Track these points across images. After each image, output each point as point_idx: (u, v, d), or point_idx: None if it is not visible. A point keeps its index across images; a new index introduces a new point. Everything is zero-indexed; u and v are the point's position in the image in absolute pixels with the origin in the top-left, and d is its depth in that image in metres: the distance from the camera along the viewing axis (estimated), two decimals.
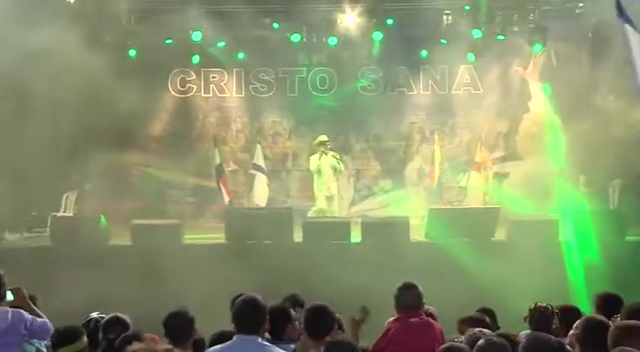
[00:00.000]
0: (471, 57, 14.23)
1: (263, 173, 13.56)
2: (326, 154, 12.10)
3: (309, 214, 12.32)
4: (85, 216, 12.80)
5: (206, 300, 6.72)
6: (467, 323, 5.38)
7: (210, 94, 14.91)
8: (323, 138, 12.51)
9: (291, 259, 9.90)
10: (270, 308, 4.43)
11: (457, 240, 10.52)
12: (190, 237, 11.33)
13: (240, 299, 4.30)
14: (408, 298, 5.24)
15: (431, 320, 5.40)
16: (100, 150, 13.77)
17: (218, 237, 11.17)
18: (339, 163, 12.21)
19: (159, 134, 14.76)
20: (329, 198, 12.17)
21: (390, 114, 14.71)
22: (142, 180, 14.62)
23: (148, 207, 13.82)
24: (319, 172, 12.17)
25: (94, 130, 13.32)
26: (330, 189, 12.19)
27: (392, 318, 5.37)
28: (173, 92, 14.78)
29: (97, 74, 13.76)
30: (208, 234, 12.04)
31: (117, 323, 4.70)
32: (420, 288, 5.26)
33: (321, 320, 4.46)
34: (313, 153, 12.53)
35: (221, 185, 13.25)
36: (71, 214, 12.92)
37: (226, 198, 13.21)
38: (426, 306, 5.42)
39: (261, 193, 13.51)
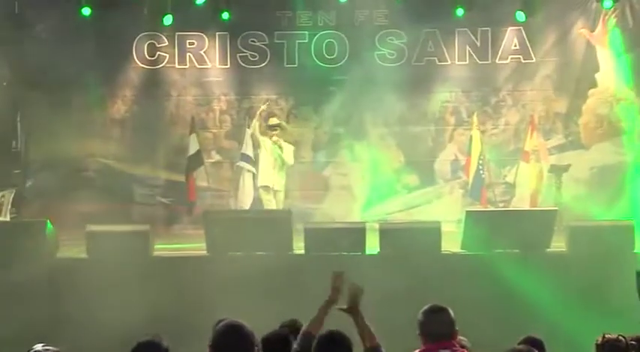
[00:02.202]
0: (520, 16, 14.24)
1: (254, 166, 13.63)
2: (273, 141, 12.46)
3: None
4: (26, 220, 12.89)
5: (182, 327, 6.82)
6: None
7: (187, 65, 14.91)
8: (273, 121, 12.80)
9: (290, 275, 9.99)
10: (266, 337, 4.48)
11: (502, 251, 10.59)
12: (162, 248, 11.44)
13: (221, 324, 4.28)
14: (437, 324, 5.21)
15: None
16: (44, 138, 13.88)
17: (197, 247, 11.23)
18: (280, 151, 12.57)
19: (121, 117, 14.82)
20: (266, 190, 12.53)
21: (416, 91, 14.73)
22: (99, 176, 14.69)
23: (108, 210, 13.89)
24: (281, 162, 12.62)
25: (36, 112, 13.42)
26: (273, 181, 12.67)
27: (416, 351, 5.40)
28: (139, 62, 14.81)
29: (39, 39, 13.98)
30: (185, 244, 12.12)
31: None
32: (452, 313, 5.28)
33: (334, 350, 4.52)
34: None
35: (189, 181, 13.41)
36: (7, 219, 12.99)
37: (187, 200, 13.38)
38: (459, 337, 5.45)
39: (251, 191, 13.57)
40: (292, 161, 12.79)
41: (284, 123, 12.89)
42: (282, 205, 13.42)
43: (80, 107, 14.37)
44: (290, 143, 13.63)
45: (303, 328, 5.04)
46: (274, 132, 12.78)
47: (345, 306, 5.14)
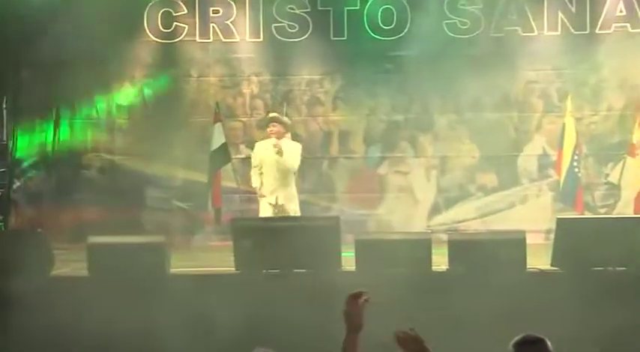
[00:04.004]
0: None
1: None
2: (272, 145, 12.04)
3: None
4: (14, 230, 13.02)
5: None
6: None
7: (211, 39, 15.01)
8: (273, 114, 12.64)
9: (339, 298, 9.96)
10: None
11: (603, 269, 10.49)
12: (181, 265, 11.43)
13: None
14: None
15: None
16: (36, 128, 13.98)
17: (224, 263, 11.28)
18: (279, 156, 12.04)
19: (129, 102, 14.96)
20: (274, 208, 12.13)
21: (494, 69, 14.64)
22: (103, 175, 14.83)
23: (114, 217, 14.02)
24: (260, 168, 12.16)
25: (26, 96, 13.53)
26: (276, 194, 12.13)
27: None
28: (151, 35, 14.95)
29: (30, 5, 14.09)
30: (208, 259, 12.17)
31: None
32: (549, 344, 5.30)
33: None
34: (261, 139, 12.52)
35: (213, 182, 13.45)
36: None
37: (210, 206, 13.40)
38: None
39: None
40: (297, 163, 12.25)
41: (284, 118, 12.56)
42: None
43: (80, 91, 14.51)
44: (296, 140, 13.48)
45: None
46: (273, 129, 12.24)
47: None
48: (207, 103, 14.81)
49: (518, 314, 9.28)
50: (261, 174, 12.19)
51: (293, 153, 12.15)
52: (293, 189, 12.34)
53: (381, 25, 14.74)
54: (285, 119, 12.55)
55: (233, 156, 14.00)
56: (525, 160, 14.94)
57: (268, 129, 12.16)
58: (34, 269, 10.60)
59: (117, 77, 14.87)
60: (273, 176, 12.10)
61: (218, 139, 13.64)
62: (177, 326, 9.59)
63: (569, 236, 10.92)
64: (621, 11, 14.56)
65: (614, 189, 14.45)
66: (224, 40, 14.99)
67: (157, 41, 14.90)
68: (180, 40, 14.95)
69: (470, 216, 14.81)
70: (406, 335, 5.14)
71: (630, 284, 10.26)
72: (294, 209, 12.26)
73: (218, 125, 13.70)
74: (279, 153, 11.99)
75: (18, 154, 14.69)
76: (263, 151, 12.16)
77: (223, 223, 13.42)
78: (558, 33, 14.71)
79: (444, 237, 11.54)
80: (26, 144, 14.43)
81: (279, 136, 12.09)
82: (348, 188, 14.85)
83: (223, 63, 15.08)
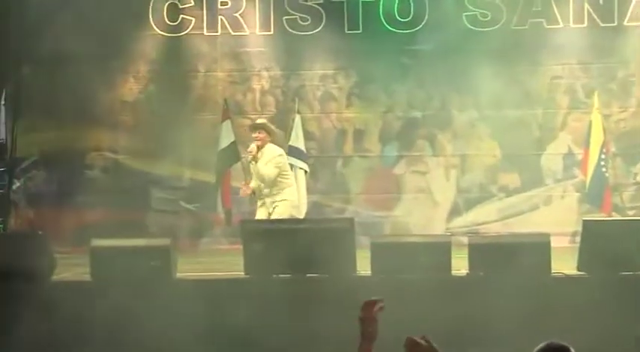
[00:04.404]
0: None
1: (305, 161, 13.69)
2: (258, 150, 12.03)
3: None
4: (13, 232, 13.03)
5: None
6: None
7: (219, 32, 15.03)
8: (260, 121, 12.58)
9: (353, 304, 9.95)
10: None
11: (632, 273, 10.46)
12: (188, 269, 11.45)
13: None
14: None
15: None
16: (36, 126, 14.00)
17: (233, 267, 11.29)
18: (254, 161, 12.03)
19: (134, 99, 15.00)
20: (267, 211, 12.13)
21: (516, 64, 14.67)
22: (106, 175, 14.86)
23: (118, 219, 14.03)
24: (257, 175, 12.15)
25: (26, 93, 13.55)
26: (269, 198, 12.12)
27: None
28: (156, 28, 14.98)
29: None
30: (217, 263, 12.19)
31: None
32: None
33: None
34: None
35: (222, 182, 13.45)
36: None
37: (219, 207, 13.42)
38: None
39: (301, 196, 13.57)
40: (272, 172, 12.13)
41: (272, 126, 12.50)
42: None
43: (82, 87, 14.46)
44: (308, 137, 13.36)
45: None
46: (258, 136, 12.16)
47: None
48: (215, 100, 14.85)
49: (542, 321, 9.27)
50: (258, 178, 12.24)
51: (269, 162, 12.09)
52: (290, 194, 12.29)
53: (398, 17, 14.70)
54: (273, 128, 12.51)
55: (242, 155, 13.99)
56: (549, 159, 14.90)
57: (253, 135, 12.19)
58: (35, 274, 10.65)
59: (121, 72, 14.90)
60: (258, 181, 12.15)
61: (227, 137, 13.67)
62: (183, 333, 9.61)
63: (596, 239, 10.89)
64: None
65: None
66: (233, 33, 15.00)
67: (162, 35, 14.93)
68: (186, 34, 14.97)
69: (491, 218, 14.79)
70: (419, 345, 5.11)
71: None
72: (291, 213, 12.24)
73: (227, 122, 13.73)
74: (254, 159, 12.03)
75: (18, 153, 14.72)
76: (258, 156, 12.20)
77: (234, 225, 13.42)
78: (585, 25, 14.66)
79: (464, 240, 11.49)
80: (26, 143, 14.46)
81: (263, 144, 12.09)
82: (363, 188, 14.84)
83: (232, 57, 15.08)
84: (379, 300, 5.16)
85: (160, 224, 14.54)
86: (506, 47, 14.43)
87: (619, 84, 14.75)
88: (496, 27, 14.61)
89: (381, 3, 14.74)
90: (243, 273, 10.84)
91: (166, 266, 10.85)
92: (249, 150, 12.17)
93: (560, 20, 14.66)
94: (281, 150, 12.39)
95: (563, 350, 5.43)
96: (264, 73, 15.11)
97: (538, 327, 8.47)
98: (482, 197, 14.94)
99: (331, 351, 8.59)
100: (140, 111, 14.99)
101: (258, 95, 15.10)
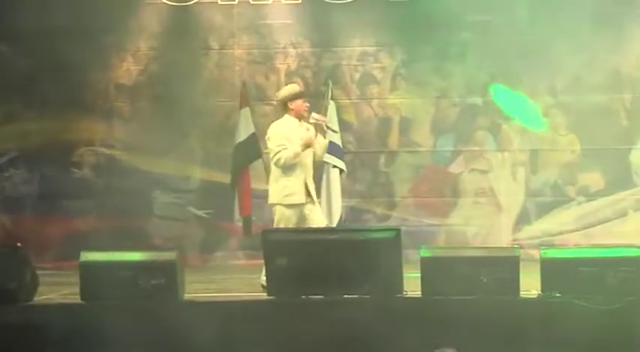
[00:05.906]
0: None
1: (340, 159, 13.63)
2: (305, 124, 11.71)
3: None
4: None
5: None
6: None
7: (236, 1, 15.07)
8: (294, 88, 11.88)
9: (401, 330, 9.85)
10: None
11: None
12: (198, 289, 11.50)
13: None
14: None
15: None
16: (16, 116, 14.03)
17: (252, 287, 11.44)
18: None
19: (133, 82, 15.12)
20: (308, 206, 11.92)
21: (600, 38, 14.67)
22: (99, 174, 14.94)
23: (114, 227, 14.14)
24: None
25: (5, 75, 13.60)
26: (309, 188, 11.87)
27: None
28: None
29: None
30: (233, 282, 12.36)
31: None
32: None
33: None
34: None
35: (240, 184, 13.59)
36: None
37: (237, 214, 13.56)
38: None
39: (335, 199, 13.54)
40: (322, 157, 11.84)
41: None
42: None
43: (71, 68, 14.53)
44: (344, 128, 13.22)
45: None
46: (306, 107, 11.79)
47: None
48: (231, 82, 15.00)
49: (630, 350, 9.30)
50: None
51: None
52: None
53: None
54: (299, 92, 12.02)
55: (264, 150, 13.88)
56: None
57: (306, 105, 11.60)
58: (13, 295, 10.62)
59: (116, 50, 15.00)
60: (306, 163, 11.85)
61: (245, 128, 13.69)
62: None
63: None
64: None
65: None
66: (252, 2, 15.10)
67: (166, 4, 15.05)
68: (196, 2, 15.02)
69: (569, 227, 14.84)
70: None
71: None
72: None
73: (245, 110, 13.78)
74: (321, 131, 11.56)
75: None
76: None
77: (253, 235, 13.36)
78: None
79: (536, 253, 11.34)
80: (2, 136, 14.52)
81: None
82: (412, 191, 14.93)
83: (252, 31, 15.21)
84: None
85: (164, 234, 14.67)
86: (586, 18, 14.42)
87: None
88: None
89: None
90: (265, 294, 10.79)
91: (172, 286, 10.77)
92: (316, 117, 11.51)
93: None
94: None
95: None
96: (291, 50, 15.22)
97: None
98: (558, 201, 15.02)
99: None
100: (140, 97, 15.11)
101: (283, 77, 15.18)
